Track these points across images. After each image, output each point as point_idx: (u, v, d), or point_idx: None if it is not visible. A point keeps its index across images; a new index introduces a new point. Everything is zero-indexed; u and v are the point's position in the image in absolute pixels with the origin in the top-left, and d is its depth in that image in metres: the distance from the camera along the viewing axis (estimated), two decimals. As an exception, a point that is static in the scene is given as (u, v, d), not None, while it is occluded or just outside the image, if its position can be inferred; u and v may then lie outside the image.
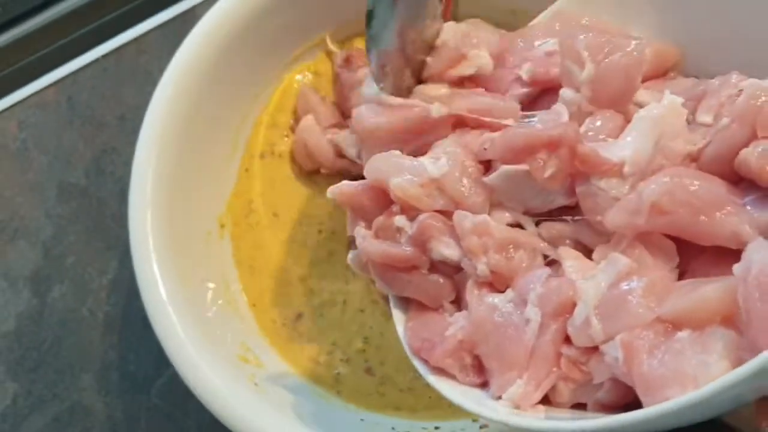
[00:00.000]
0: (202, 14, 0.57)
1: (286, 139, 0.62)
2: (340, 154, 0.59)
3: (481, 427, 0.52)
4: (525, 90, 0.46)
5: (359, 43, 0.62)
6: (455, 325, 0.42)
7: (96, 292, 0.63)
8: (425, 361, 0.43)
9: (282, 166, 0.61)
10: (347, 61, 0.61)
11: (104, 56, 0.68)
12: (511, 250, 0.41)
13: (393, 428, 0.53)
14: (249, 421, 0.50)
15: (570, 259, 0.40)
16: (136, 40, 0.68)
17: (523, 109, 0.46)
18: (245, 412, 0.50)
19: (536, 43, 0.46)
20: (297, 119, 0.62)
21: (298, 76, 0.62)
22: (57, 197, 0.65)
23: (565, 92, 0.43)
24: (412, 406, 0.55)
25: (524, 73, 0.46)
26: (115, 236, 0.63)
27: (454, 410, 0.53)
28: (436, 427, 0.53)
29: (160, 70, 0.56)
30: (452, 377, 0.42)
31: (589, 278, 0.38)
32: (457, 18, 0.61)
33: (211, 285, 0.57)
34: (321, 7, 0.60)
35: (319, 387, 0.56)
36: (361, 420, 0.54)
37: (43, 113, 0.67)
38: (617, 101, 0.42)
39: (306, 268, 0.59)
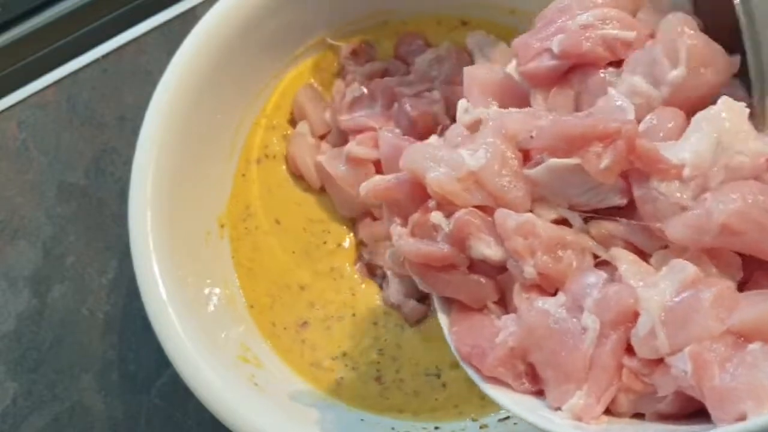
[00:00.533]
0: (202, 14, 0.57)
1: (284, 141, 0.62)
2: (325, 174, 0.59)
3: (481, 427, 0.52)
4: (553, 63, 0.41)
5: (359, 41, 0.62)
6: (505, 330, 0.39)
7: (96, 292, 0.63)
8: (477, 369, 0.40)
9: (278, 168, 0.61)
10: (354, 53, 0.61)
11: (104, 56, 0.68)
12: (559, 250, 0.38)
13: (393, 428, 0.53)
14: (249, 421, 0.50)
15: (626, 262, 0.38)
16: (136, 40, 0.68)
17: (549, 86, 0.42)
18: (245, 412, 0.50)
19: (576, 12, 0.42)
20: (294, 121, 0.62)
21: (297, 77, 0.62)
22: (57, 197, 0.65)
23: (639, 81, 0.39)
24: (416, 409, 0.55)
25: (555, 44, 0.41)
26: (115, 236, 0.63)
27: (457, 412, 0.54)
28: (436, 428, 0.53)
29: (160, 70, 0.56)
30: (506, 384, 0.40)
31: (651, 285, 0.36)
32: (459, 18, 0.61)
33: (211, 285, 0.57)
34: (321, 7, 0.60)
35: (320, 389, 0.56)
36: (362, 420, 0.54)
37: (43, 113, 0.67)
38: (688, 112, 0.39)
39: (307, 277, 0.59)
